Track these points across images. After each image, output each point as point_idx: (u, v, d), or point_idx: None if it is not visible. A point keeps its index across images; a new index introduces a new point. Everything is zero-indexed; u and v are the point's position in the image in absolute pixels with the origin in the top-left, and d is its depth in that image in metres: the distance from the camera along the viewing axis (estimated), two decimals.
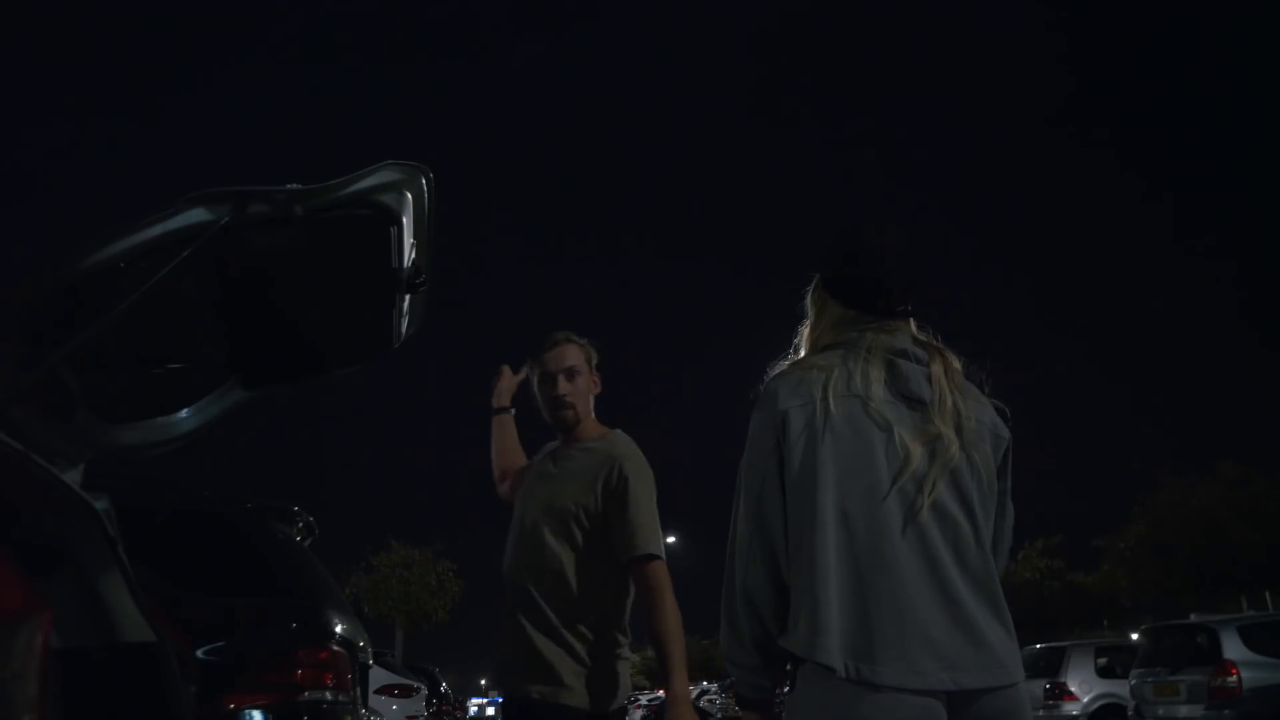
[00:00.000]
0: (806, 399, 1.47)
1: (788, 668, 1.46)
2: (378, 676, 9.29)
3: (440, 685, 14.54)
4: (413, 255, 2.62)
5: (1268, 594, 20.95)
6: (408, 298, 2.81)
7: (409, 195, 2.45)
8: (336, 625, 3.72)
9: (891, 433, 1.45)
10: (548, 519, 2.39)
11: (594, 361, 2.58)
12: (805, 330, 1.68)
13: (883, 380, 1.49)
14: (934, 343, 1.58)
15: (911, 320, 1.61)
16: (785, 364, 1.62)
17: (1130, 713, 9.71)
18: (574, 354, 2.51)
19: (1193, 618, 10.68)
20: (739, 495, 1.53)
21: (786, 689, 1.47)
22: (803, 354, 1.65)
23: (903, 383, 1.50)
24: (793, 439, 1.46)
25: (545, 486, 2.47)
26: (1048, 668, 11.63)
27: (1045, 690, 11.44)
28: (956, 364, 1.56)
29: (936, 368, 1.52)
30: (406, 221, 2.50)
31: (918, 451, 1.44)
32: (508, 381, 2.89)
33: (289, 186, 2.32)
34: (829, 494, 1.42)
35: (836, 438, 1.44)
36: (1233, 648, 8.47)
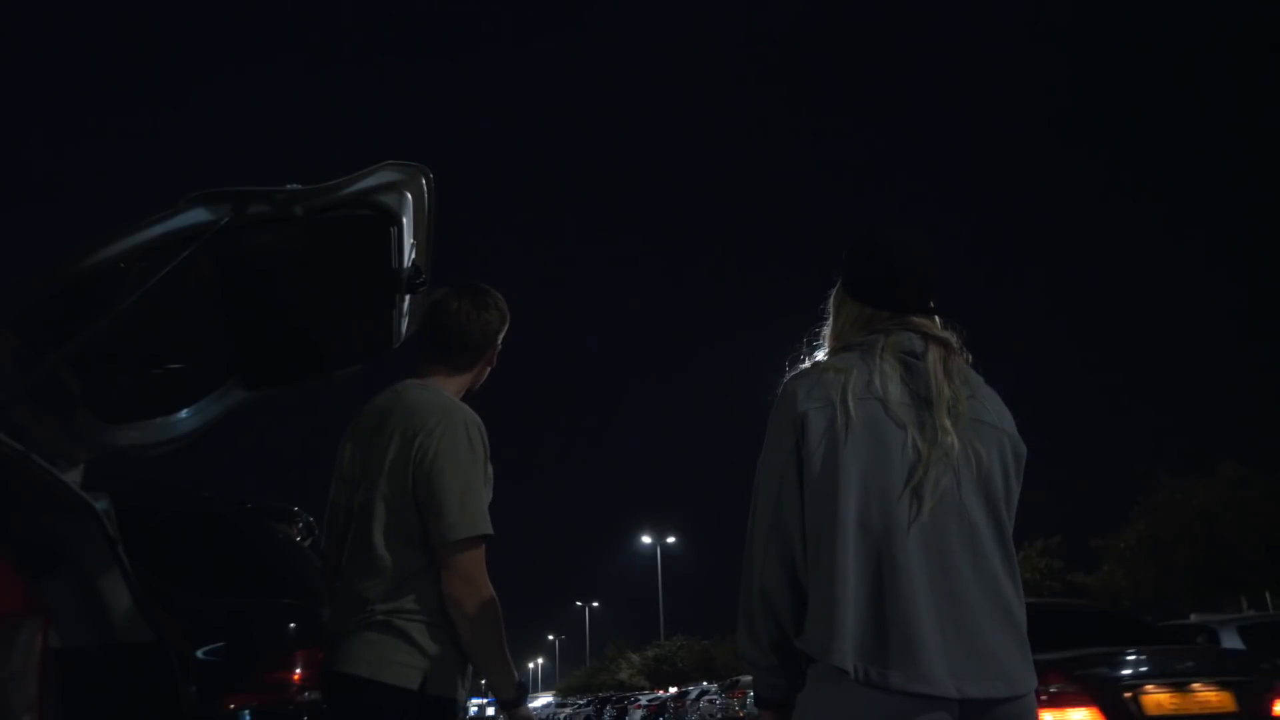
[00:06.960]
0: (825, 401, 1.47)
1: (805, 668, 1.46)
2: None
3: None
4: (413, 255, 2.62)
5: (1268, 594, 20.89)
6: (408, 298, 2.81)
7: (409, 195, 2.45)
8: None
9: (907, 435, 1.45)
10: None
11: None
12: (826, 330, 1.68)
13: (900, 381, 1.49)
14: (935, 332, 1.56)
15: (936, 318, 1.59)
16: (804, 365, 1.62)
17: None
18: None
19: (1193, 618, 10.67)
20: (756, 496, 1.52)
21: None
22: (822, 354, 1.65)
23: (917, 383, 1.49)
24: (812, 442, 1.45)
25: None
26: None
27: None
28: (957, 350, 1.55)
29: (932, 356, 1.51)
30: (406, 222, 2.50)
31: (930, 454, 1.43)
32: None
33: (289, 186, 2.32)
34: (849, 498, 1.41)
35: (855, 441, 1.44)
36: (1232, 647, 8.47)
